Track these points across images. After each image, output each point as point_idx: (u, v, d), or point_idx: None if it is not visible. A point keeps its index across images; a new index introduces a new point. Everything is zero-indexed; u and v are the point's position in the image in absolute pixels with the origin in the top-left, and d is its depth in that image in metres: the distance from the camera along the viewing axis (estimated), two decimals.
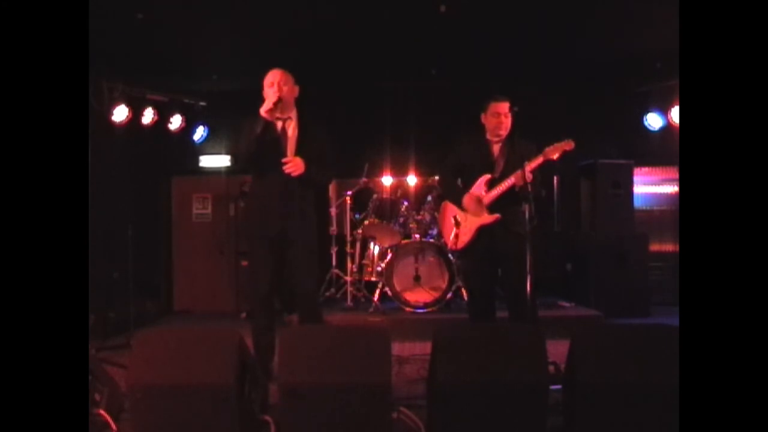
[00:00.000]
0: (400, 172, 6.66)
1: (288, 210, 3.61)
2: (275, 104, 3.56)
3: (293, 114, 3.76)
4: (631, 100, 6.53)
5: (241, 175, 6.77)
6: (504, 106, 3.84)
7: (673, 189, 6.91)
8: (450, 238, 3.98)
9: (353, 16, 4.90)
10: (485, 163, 3.88)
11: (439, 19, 4.80)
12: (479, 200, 3.85)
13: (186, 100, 6.69)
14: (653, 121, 6.41)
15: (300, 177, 3.60)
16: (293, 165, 3.58)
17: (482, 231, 3.85)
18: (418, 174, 6.64)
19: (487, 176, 3.84)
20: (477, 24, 5.05)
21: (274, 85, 3.63)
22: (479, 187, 3.86)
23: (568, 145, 3.69)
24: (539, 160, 3.70)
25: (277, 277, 3.78)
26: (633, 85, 6.46)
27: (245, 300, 6.49)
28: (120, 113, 5.80)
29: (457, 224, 3.90)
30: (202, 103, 6.88)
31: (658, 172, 6.93)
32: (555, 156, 3.69)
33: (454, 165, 4.05)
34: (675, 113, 6.02)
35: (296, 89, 3.76)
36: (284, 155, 3.62)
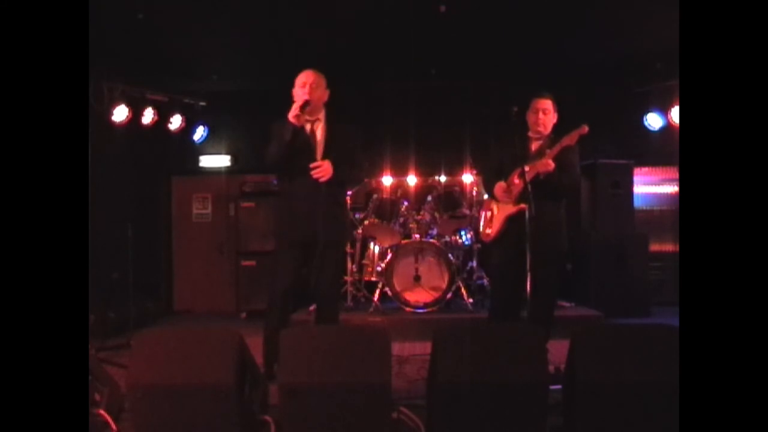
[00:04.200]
0: (400, 172, 6.65)
1: (317, 213, 3.53)
2: (302, 108, 3.53)
3: (321, 115, 3.74)
4: (631, 100, 6.52)
5: (242, 175, 6.80)
6: (544, 103, 3.87)
7: (673, 189, 6.91)
8: (481, 230, 4.14)
9: (353, 16, 4.90)
10: (521, 159, 3.85)
11: (439, 19, 4.80)
12: (508, 190, 3.86)
13: (186, 100, 6.69)
14: (653, 121, 6.41)
15: (329, 180, 3.57)
16: (321, 170, 3.55)
17: (511, 222, 3.84)
18: (418, 174, 6.64)
19: (520, 169, 3.82)
20: (477, 24, 5.05)
21: (306, 86, 3.61)
22: (512, 179, 3.88)
23: (582, 129, 3.71)
24: (557, 148, 3.73)
25: (298, 278, 3.75)
26: (633, 85, 6.45)
27: (246, 300, 6.50)
28: (120, 113, 5.81)
29: (490, 216, 4.03)
30: (202, 103, 6.87)
31: (658, 172, 6.93)
32: (573, 142, 3.72)
33: (494, 161, 4.07)
34: (675, 113, 6.01)
35: (327, 93, 3.73)
36: (313, 157, 3.59)
